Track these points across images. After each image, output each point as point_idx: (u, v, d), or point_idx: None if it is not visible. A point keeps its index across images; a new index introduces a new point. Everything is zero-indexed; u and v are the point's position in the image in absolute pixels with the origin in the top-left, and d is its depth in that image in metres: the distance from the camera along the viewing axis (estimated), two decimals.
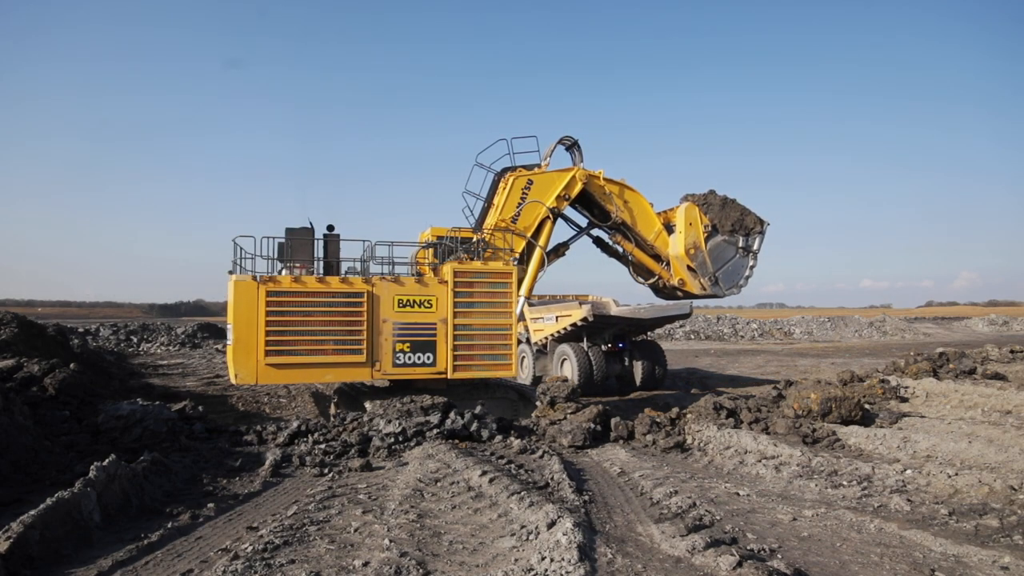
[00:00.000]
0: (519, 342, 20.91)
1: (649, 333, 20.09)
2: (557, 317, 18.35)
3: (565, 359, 17.91)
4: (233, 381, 11.72)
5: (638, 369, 18.26)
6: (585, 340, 17.72)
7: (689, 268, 15.21)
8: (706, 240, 15.24)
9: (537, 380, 18.96)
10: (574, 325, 17.31)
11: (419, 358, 12.34)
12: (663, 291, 16.44)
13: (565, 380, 12.78)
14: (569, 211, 15.14)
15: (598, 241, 16.06)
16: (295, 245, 12.42)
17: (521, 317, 20.74)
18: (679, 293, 15.95)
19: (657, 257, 15.61)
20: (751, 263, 15.77)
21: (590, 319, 16.57)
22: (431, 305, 12.45)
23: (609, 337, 18.43)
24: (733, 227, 15.50)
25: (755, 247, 15.71)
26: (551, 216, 14.31)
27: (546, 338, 19.07)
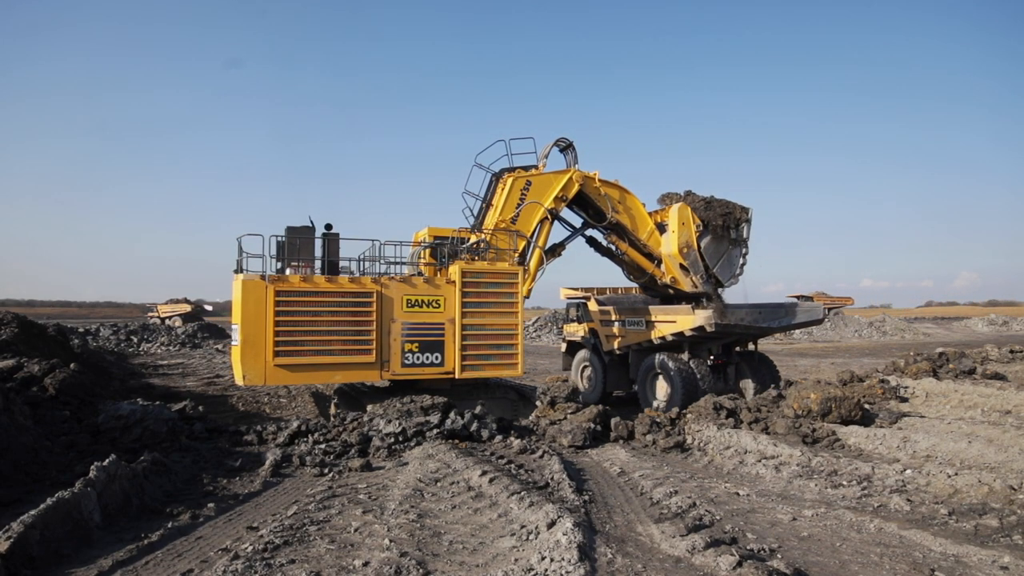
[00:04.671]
0: (580, 347, 18.59)
1: (759, 343, 17.24)
2: (647, 322, 15.73)
3: (660, 374, 15.30)
4: (240, 383, 11.64)
5: (748, 387, 15.55)
6: (687, 351, 15.25)
7: (681, 267, 15.34)
8: (698, 239, 15.36)
9: (608, 396, 16.94)
10: (678, 334, 14.90)
11: (427, 358, 12.35)
12: (655, 290, 16.57)
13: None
14: (564, 211, 15.24)
15: (591, 241, 16.21)
16: (297, 244, 12.41)
17: (583, 319, 18.26)
18: (670, 291, 16.08)
19: (650, 256, 15.80)
20: (743, 251, 15.90)
21: (710, 328, 14.12)
22: (439, 305, 12.47)
23: (717, 348, 15.79)
24: (724, 222, 15.68)
25: (744, 235, 15.84)
26: (549, 217, 14.43)
27: (627, 346, 16.50)
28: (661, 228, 15.68)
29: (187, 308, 54.99)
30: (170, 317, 53.15)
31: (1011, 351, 19.30)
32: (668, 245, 15.38)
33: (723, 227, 15.61)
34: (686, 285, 15.52)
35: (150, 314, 57.50)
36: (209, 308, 62.73)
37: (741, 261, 15.85)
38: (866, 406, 11.93)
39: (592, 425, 10.78)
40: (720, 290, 15.61)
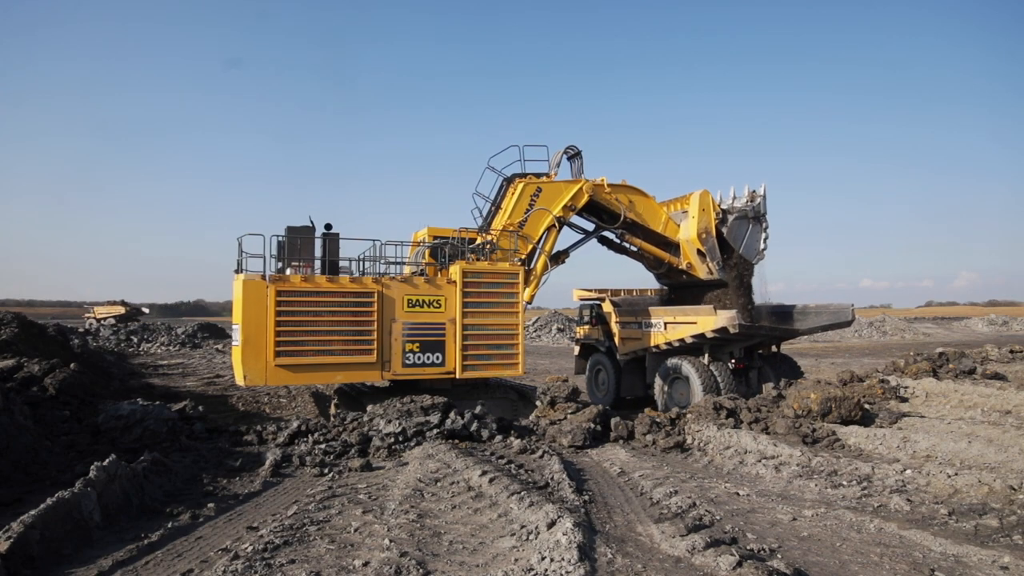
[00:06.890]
0: (594, 350, 18.36)
1: (782, 345, 16.74)
2: (667, 324, 15.22)
3: (678, 379, 14.82)
4: (241, 383, 11.63)
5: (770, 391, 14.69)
6: (707, 354, 14.78)
7: (699, 252, 15.45)
8: (718, 226, 15.46)
9: (622, 401, 16.68)
10: (698, 336, 14.36)
11: (428, 358, 12.36)
12: (670, 276, 16.68)
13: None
14: (575, 217, 15.42)
15: (603, 239, 16.34)
16: (298, 244, 12.41)
17: (598, 321, 17.96)
18: (684, 277, 16.12)
19: (666, 245, 15.95)
20: (764, 225, 15.96)
21: (733, 330, 13.63)
22: (440, 305, 12.49)
23: (739, 351, 15.20)
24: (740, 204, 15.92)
25: (762, 211, 15.90)
26: (556, 224, 14.56)
27: (643, 349, 16.07)
28: (679, 218, 15.97)
29: (122, 310, 57.03)
30: (105, 318, 54.78)
31: (1011, 351, 19.27)
32: (687, 231, 15.57)
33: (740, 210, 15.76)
34: (702, 272, 15.60)
35: (86, 315, 58.89)
36: (146, 311, 64.40)
37: (763, 236, 15.92)
38: (866, 406, 11.92)
39: (592, 425, 10.77)
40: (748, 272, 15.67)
